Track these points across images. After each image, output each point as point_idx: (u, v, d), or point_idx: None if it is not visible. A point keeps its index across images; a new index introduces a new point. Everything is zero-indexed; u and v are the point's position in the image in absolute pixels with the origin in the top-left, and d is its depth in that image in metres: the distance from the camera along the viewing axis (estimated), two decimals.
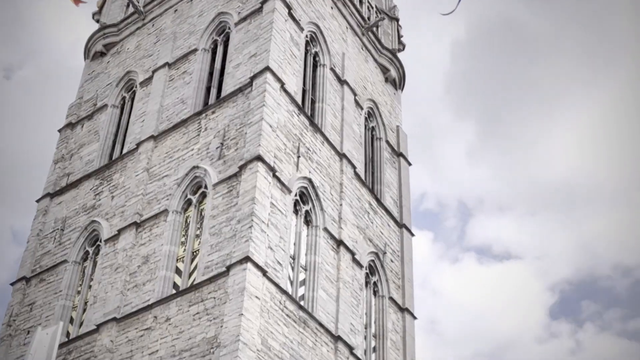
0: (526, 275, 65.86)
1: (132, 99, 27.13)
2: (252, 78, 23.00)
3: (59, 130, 28.28)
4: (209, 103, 24.38)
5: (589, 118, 66.32)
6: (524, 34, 65.89)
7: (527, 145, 66.17)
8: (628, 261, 67.64)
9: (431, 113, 63.94)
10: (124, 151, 25.30)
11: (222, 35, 26.13)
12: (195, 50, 26.09)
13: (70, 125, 28.07)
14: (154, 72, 26.62)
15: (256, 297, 18.91)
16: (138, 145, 24.63)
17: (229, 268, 19.26)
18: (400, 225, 26.52)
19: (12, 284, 24.35)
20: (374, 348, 23.26)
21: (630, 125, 66.02)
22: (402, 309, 24.69)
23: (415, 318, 24.92)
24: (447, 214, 69.98)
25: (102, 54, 29.69)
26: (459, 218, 70.99)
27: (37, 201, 26.23)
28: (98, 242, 23.49)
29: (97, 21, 31.09)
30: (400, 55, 30.79)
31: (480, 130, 68.91)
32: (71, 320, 22.47)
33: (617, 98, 66.38)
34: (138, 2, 29.49)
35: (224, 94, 23.96)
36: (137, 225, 22.48)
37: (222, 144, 22.54)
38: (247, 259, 19.10)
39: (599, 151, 65.75)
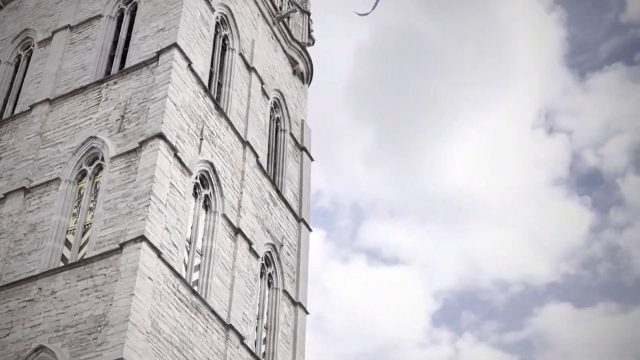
0: (412, 281, 68.38)
1: (29, 58, 25.77)
2: (159, 53, 22.33)
3: None
4: (112, 73, 23.49)
5: (482, 136, 69.24)
6: (427, 47, 68.15)
7: (423, 156, 68.80)
8: (507, 277, 71.40)
9: (331, 112, 64.59)
10: (16, 112, 24.00)
11: (129, 5, 25.23)
12: (100, 16, 25.07)
13: None
14: (54, 33, 25.37)
15: (149, 278, 18.32)
16: (32, 107, 23.41)
17: (122, 246, 18.62)
18: (299, 219, 26.37)
19: None
20: (265, 340, 23.02)
21: (518, 146, 69.52)
22: (295, 303, 24.56)
23: (307, 313, 24.85)
24: (340, 214, 71.34)
25: None
26: (351, 219, 72.44)
27: None
28: None
29: None
30: (309, 49, 30.61)
31: (379, 136, 70.50)
32: None
33: (508, 119, 69.94)
34: None
35: (127, 65, 23.17)
36: (25, 190, 21.34)
37: (122, 116, 21.78)
38: (142, 238, 18.52)
39: (488, 168, 68.93)
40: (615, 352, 59.94)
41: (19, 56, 26.11)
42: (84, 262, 19.01)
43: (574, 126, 70.50)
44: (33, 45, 25.84)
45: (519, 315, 68.38)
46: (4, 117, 24.18)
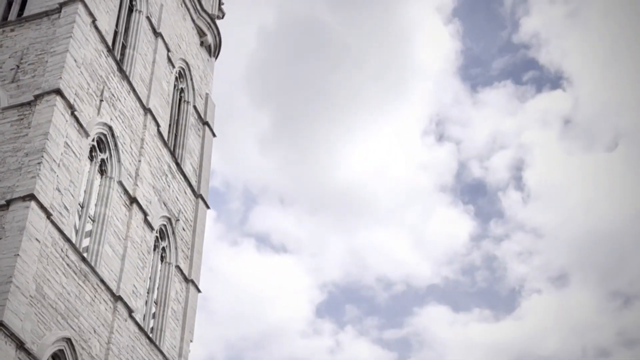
0: (299, 270, 68.96)
1: None
2: (62, 5, 21.23)
3: None
4: (9, 19, 22.10)
5: (376, 135, 70.06)
6: (331, 39, 68.06)
7: (317, 147, 69.11)
8: (391, 275, 72.71)
9: (229, 91, 63.42)
10: None
11: None
12: None
13: None
14: None
15: (36, 239, 17.29)
16: None
17: (9, 202, 17.52)
18: (197, 195, 25.50)
19: None
20: (154, 314, 22.11)
21: (409, 150, 70.88)
22: (188, 280, 23.73)
23: (199, 291, 24.02)
24: (232, 195, 70.63)
25: None
26: (242, 202, 71.90)
27: None
28: None
29: None
30: (218, 23, 29.68)
31: (275, 121, 70.41)
32: None
33: (402, 121, 71.28)
34: None
35: (27, 13, 21.83)
36: None
37: (17, 66, 20.58)
38: (31, 196, 17.47)
39: (380, 167, 69.73)
40: (487, 355, 62.35)
41: None
42: None
43: (462, 136, 72.93)
44: None
45: (399, 313, 70.28)
46: None
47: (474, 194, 74.00)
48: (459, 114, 72.64)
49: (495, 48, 74.27)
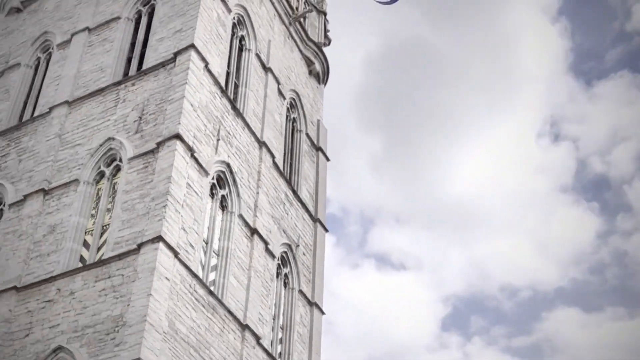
0: (421, 286, 69.19)
1: (48, 61, 26.02)
2: (176, 54, 22.44)
3: None
4: (129, 74, 23.65)
5: (489, 145, 69.93)
6: (435, 57, 68.78)
7: (429, 163, 69.55)
8: (515, 282, 71.61)
9: (338, 119, 65.20)
10: (35, 114, 24.25)
11: (146, 6, 25.39)
12: (118, 18, 25.26)
13: None
14: (72, 35, 25.59)
15: (166, 278, 18.47)
16: (51, 109, 23.64)
17: (140, 246, 18.74)
18: (315, 219, 26.49)
19: None
20: (281, 339, 23.16)
21: (522, 157, 70.05)
22: (311, 303, 24.70)
23: (323, 313, 24.96)
24: (349, 220, 72.03)
25: (18, 10, 28.26)
26: (360, 225, 73.17)
27: None
28: (1, 206, 22.39)
29: None
30: (325, 50, 30.69)
31: (386, 143, 71.25)
32: None
33: (514, 127, 70.53)
34: None
35: (145, 66, 23.30)
36: (45, 192, 21.57)
37: (140, 117, 21.92)
38: (159, 238, 18.63)
39: (494, 176, 69.41)
40: (623, 356, 60.44)
41: (38, 59, 26.37)
42: (102, 262, 19.20)
43: (580, 133, 71.49)
44: (52, 48, 26.08)
45: (527, 320, 69.17)
46: (23, 120, 24.46)
47: (597, 190, 72.28)
48: (574, 111, 71.31)
49: (607, 40, 72.31)
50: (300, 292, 24.33)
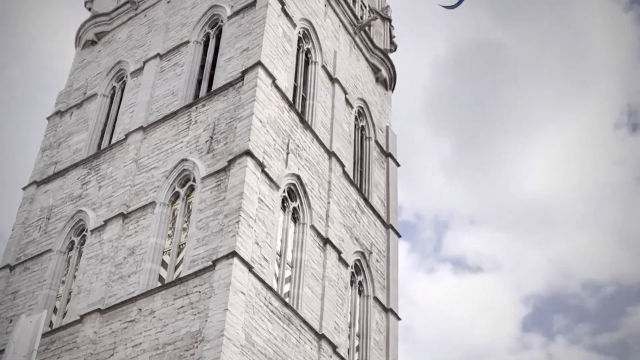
0: (500, 287, 68.02)
1: (123, 89, 27.01)
2: (244, 72, 22.91)
3: (48, 118, 28.15)
4: (200, 96, 24.27)
5: (563, 140, 68.63)
6: (502, 56, 68.35)
7: (502, 163, 68.65)
8: (597, 278, 69.91)
9: (407, 125, 65.27)
10: (113, 141, 25.19)
11: (214, 29, 26.04)
12: (187, 42, 25.98)
13: (59, 114, 27.92)
14: (145, 62, 26.49)
15: (241, 292, 18.89)
16: (127, 135, 24.53)
17: (215, 262, 19.20)
18: (387, 225, 26.57)
19: None
20: (357, 347, 23.32)
21: (599, 149, 68.43)
22: (387, 310, 24.78)
23: (399, 319, 25.00)
24: (423, 226, 71.75)
25: (93, 43, 29.52)
26: (434, 230, 72.74)
27: (24, 189, 26.08)
28: (84, 232, 23.40)
29: (89, 9, 30.91)
30: (391, 55, 30.78)
31: (457, 146, 70.93)
32: (55, 310, 22.39)
33: (588, 122, 69.17)
34: None
35: (215, 87, 23.85)
36: (124, 216, 22.41)
37: (211, 137, 22.46)
38: (233, 254, 19.06)
39: (570, 171, 68.23)
40: None
41: (113, 88, 27.41)
42: (179, 281, 19.80)
43: None
44: (126, 76, 27.07)
45: (612, 316, 67.46)
46: (102, 148, 25.46)
47: None
48: None
49: None
50: (375, 299, 24.45)
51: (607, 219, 67.29)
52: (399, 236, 26.71)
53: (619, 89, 69.10)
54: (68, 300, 22.29)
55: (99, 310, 20.59)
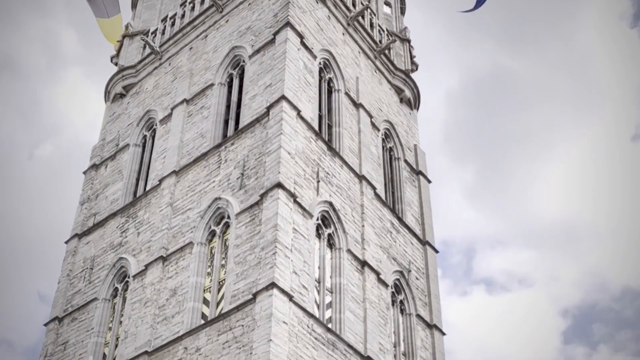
0: (536, 302, 68.34)
1: (153, 137, 27.67)
2: (269, 108, 23.30)
3: (84, 173, 28.94)
4: (228, 135, 24.77)
5: (580, 156, 70.33)
6: (514, 82, 70.65)
7: (523, 185, 70.37)
8: (635, 285, 69.88)
9: (429, 157, 66.43)
10: (148, 188, 25.76)
11: (237, 69, 26.57)
12: (212, 85, 26.54)
13: (95, 167, 28.71)
14: (172, 109, 27.12)
15: (284, 322, 19.01)
16: (161, 181, 25.06)
17: (255, 295, 19.43)
18: (424, 242, 26.59)
19: (45, 325, 24.80)
20: None
21: (619, 160, 69.21)
22: (431, 326, 24.70)
23: (444, 334, 24.87)
24: (451, 252, 72.69)
25: (121, 96, 30.36)
26: (463, 254, 73.93)
27: (66, 242, 26.76)
28: (126, 278, 23.89)
29: (116, 64, 31.78)
30: (413, 75, 30.98)
31: (478, 172, 72.72)
32: (104, 357, 22.82)
33: (607, 134, 70.32)
34: (154, 43, 30.16)
35: (241, 125, 24.31)
36: (163, 259, 22.82)
37: (242, 174, 22.81)
38: (272, 285, 19.25)
39: (589, 186, 69.52)
40: None
41: (144, 137, 28.10)
42: (222, 316, 20.04)
43: None
44: (156, 124, 27.74)
45: None
46: (138, 195, 26.04)
47: None
48: None
49: None
50: (418, 316, 24.38)
51: (634, 228, 67.97)
52: (437, 252, 26.67)
53: (632, 101, 70.68)
54: (116, 345, 22.71)
55: (146, 352, 20.91)
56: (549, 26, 70.24)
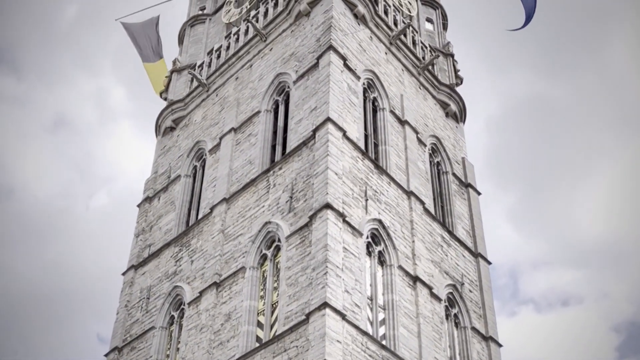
0: (587, 319, 68.16)
1: (203, 167, 28.14)
2: (315, 130, 23.51)
3: (138, 206, 29.58)
4: (275, 160, 25.05)
5: (620, 176, 70.24)
6: (551, 107, 71.95)
7: (564, 206, 71.36)
8: None
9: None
10: (199, 216, 26.17)
11: (282, 95, 26.90)
12: (258, 112, 26.91)
13: (148, 199, 29.31)
14: (221, 138, 27.57)
15: (337, 341, 19.01)
16: (212, 209, 25.43)
17: (308, 316, 19.50)
18: (476, 254, 26.31)
19: (105, 355, 25.29)
20: None
21: None
22: (486, 338, 24.36)
23: (500, 345, 24.47)
24: (497, 274, 73.01)
25: (171, 129, 30.99)
26: (509, 276, 74.36)
27: (123, 274, 27.31)
28: (182, 306, 24.22)
29: (165, 99, 32.48)
30: (458, 89, 30.88)
31: (519, 197, 73.79)
32: None
33: (638, 159, 70.43)
34: (201, 76, 30.77)
35: (288, 149, 24.57)
36: (217, 285, 23.09)
37: (291, 197, 23.00)
38: (325, 304, 19.30)
39: (631, 206, 68.99)
40: None
41: (195, 167, 28.62)
42: (276, 338, 20.15)
43: None
44: (205, 154, 28.23)
45: None
46: (190, 224, 26.48)
47: None
48: None
49: None
50: (473, 329, 24.05)
51: None
52: (489, 263, 26.35)
53: None
54: None
55: None
56: (580, 52, 72.05)
